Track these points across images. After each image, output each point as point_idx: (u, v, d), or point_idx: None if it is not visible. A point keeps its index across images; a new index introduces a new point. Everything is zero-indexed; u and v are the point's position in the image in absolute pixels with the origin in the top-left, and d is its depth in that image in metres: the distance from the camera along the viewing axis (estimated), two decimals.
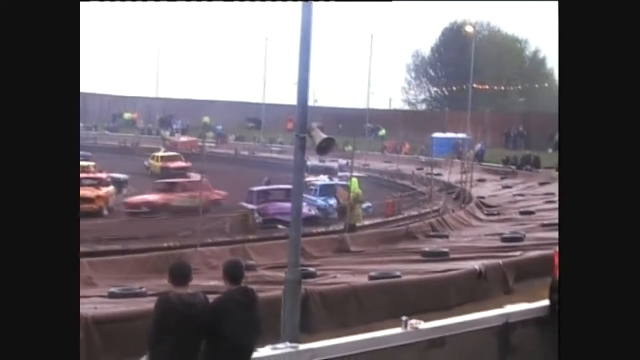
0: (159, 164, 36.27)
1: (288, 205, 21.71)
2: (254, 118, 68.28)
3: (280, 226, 19.44)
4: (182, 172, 33.53)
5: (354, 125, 55.08)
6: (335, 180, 26.06)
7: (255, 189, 23.15)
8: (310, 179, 26.33)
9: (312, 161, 33.02)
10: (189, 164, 35.44)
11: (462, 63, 53.92)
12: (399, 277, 11.31)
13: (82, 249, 14.82)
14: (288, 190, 23.10)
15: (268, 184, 25.12)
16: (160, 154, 37.72)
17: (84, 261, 11.96)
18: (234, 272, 5.65)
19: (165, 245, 15.64)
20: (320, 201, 23.18)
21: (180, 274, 5.39)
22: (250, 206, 21.01)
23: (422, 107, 71.72)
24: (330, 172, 30.53)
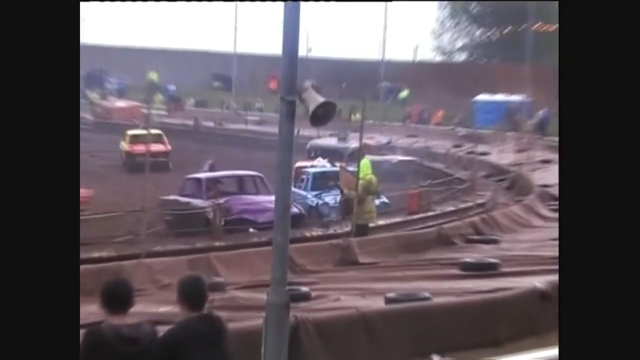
0: (127, 146, 35.25)
1: (258, 199, 21.58)
2: (220, 74, 68.46)
3: (251, 229, 19.41)
4: (161, 160, 33.17)
5: (364, 84, 55.07)
6: (339, 166, 25.96)
7: (202, 176, 23.08)
8: (301, 163, 26.35)
9: (326, 139, 32.95)
10: (167, 148, 34.84)
11: None
12: (427, 299, 11.36)
13: None
14: (243, 177, 23.25)
15: (212, 168, 24.96)
16: (133, 132, 35.75)
17: None
18: (193, 293, 5.69)
19: (96, 255, 15.65)
20: (310, 197, 23.03)
21: (117, 297, 5.43)
22: (196, 201, 20.89)
23: (461, 57, 71.84)
24: (335, 154, 30.23)
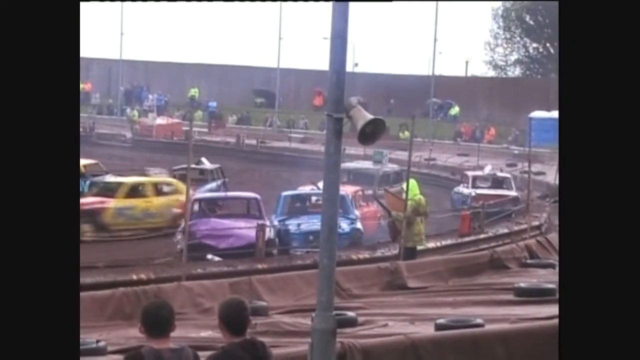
0: None
1: (225, 223, 21.20)
2: (263, 90, 68.72)
3: (209, 256, 19.15)
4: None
5: (412, 101, 55.10)
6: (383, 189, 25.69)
7: (199, 195, 23.08)
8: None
9: (359, 161, 32.28)
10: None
11: None
12: (480, 325, 11.29)
13: None
14: (237, 199, 23.25)
15: (224, 185, 24.59)
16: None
17: None
18: (235, 318, 5.71)
19: (135, 277, 15.75)
20: (275, 223, 21.77)
21: (158, 321, 5.46)
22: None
23: (515, 72, 71.55)
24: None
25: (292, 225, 21.77)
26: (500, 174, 33.56)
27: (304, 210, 23.34)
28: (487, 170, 33.87)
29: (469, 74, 70.69)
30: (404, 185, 18.81)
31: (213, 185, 28.61)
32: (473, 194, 30.48)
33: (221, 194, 23.95)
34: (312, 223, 20.67)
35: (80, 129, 52.17)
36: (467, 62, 74.27)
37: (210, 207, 22.71)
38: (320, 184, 22.76)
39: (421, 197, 18.85)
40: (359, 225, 22.22)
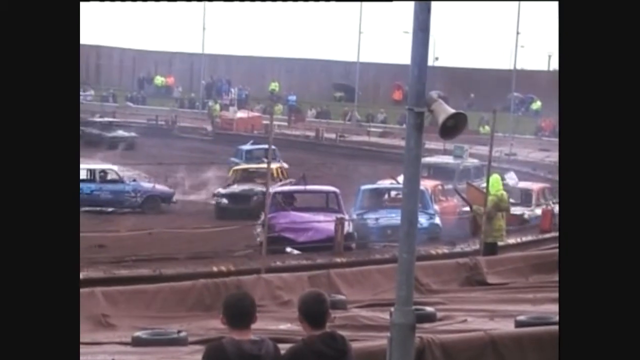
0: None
1: (305, 217, 21.34)
2: (343, 84, 68.73)
3: (289, 249, 19.18)
4: None
5: (493, 95, 54.53)
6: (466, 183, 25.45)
7: (278, 189, 23.05)
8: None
9: (439, 156, 32.43)
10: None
11: None
12: None
13: (95, 273, 15.37)
14: (315, 193, 23.42)
15: (303, 179, 24.89)
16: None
17: (97, 291, 12.31)
18: (314, 311, 5.72)
19: (215, 269, 15.90)
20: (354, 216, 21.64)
21: (239, 312, 5.49)
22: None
23: None
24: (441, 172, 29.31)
25: (371, 219, 21.76)
26: (526, 186, 26.68)
27: (383, 204, 23.32)
28: (510, 181, 26.43)
29: (551, 68, 69.72)
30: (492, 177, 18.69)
31: None
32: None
33: (300, 187, 24.02)
34: (390, 217, 20.63)
35: (163, 122, 53.02)
36: (549, 56, 73.22)
37: (289, 200, 22.81)
38: (400, 178, 22.77)
39: (503, 192, 18.69)
40: (437, 220, 22.12)
